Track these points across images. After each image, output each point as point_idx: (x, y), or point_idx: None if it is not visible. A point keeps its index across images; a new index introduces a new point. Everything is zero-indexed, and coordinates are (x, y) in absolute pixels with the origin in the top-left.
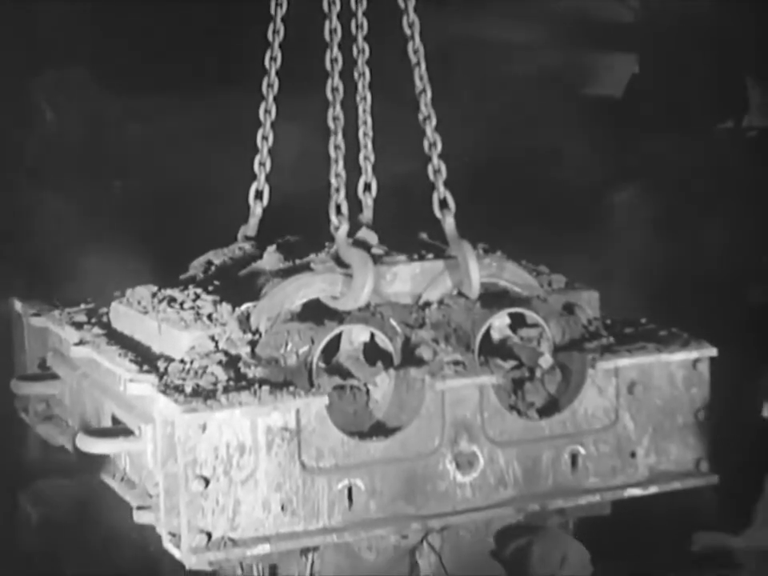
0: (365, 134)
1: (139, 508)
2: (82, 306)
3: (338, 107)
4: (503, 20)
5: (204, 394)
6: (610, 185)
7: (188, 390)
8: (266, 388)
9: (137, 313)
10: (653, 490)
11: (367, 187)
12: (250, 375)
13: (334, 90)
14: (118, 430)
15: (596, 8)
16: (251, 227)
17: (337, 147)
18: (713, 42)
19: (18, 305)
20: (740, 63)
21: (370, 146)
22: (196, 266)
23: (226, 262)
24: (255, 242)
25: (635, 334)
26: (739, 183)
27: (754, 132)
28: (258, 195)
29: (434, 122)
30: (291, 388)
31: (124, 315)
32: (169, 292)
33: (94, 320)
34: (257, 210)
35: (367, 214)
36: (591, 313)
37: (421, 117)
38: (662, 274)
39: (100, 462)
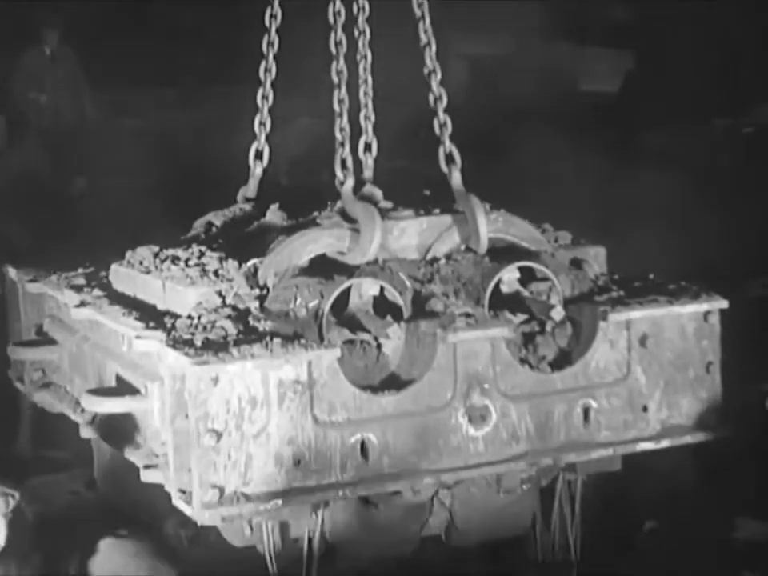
0: (365, 94)
1: (146, 467)
2: (80, 270)
3: (341, 60)
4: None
5: (215, 347)
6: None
7: (198, 343)
8: (277, 340)
9: (138, 273)
10: (665, 444)
11: (368, 147)
12: (260, 329)
13: (338, 43)
14: (124, 389)
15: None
16: (251, 188)
17: (341, 101)
18: (710, 38)
19: (12, 272)
20: (737, 59)
21: (370, 105)
22: (197, 227)
23: (227, 222)
24: (255, 203)
25: (644, 288)
26: (735, 178)
27: (751, 128)
28: (258, 155)
29: (439, 75)
30: (303, 340)
31: (125, 276)
32: (171, 251)
33: (93, 283)
34: (257, 170)
35: (368, 174)
36: (598, 268)
37: (426, 71)
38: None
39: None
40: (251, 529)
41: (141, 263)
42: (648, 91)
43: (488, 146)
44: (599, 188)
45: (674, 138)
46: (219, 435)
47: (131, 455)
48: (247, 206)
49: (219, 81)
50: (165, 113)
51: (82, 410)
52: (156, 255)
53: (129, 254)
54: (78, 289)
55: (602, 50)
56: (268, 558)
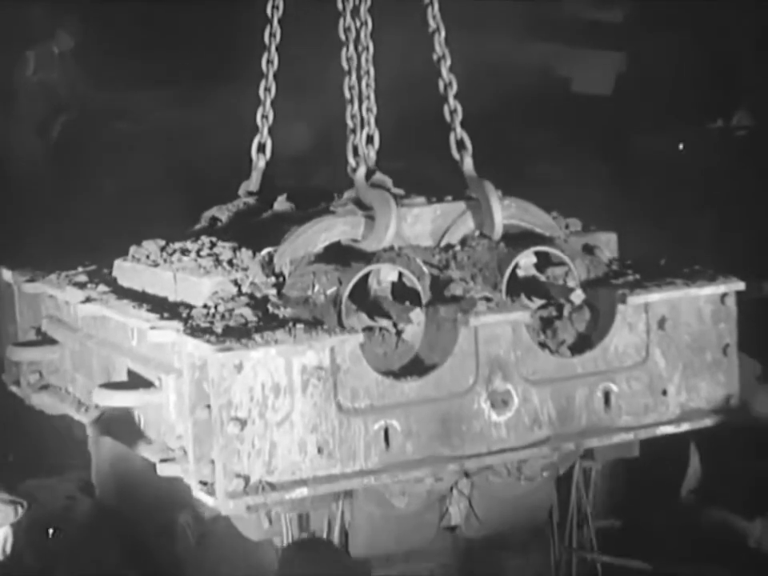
0: (367, 85)
1: (162, 461)
2: (80, 269)
3: (352, 47)
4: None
5: (237, 334)
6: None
7: (218, 330)
8: (300, 326)
9: (146, 267)
10: (685, 427)
11: (370, 139)
12: (281, 316)
13: (347, 29)
14: (136, 382)
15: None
16: (254, 181)
17: (351, 88)
18: (703, 41)
19: (6, 274)
20: (730, 63)
21: (372, 97)
22: (202, 222)
23: (234, 215)
24: (258, 197)
25: (659, 272)
26: (729, 181)
27: (744, 131)
28: (261, 148)
29: (448, 62)
30: (325, 326)
31: (130, 271)
32: (179, 244)
33: (96, 280)
34: (260, 163)
35: (370, 166)
36: (609, 254)
37: (435, 57)
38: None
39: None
40: (270, 521)
41: (147, 257)
42: (640, 93)
43: (481, 147)
44: (591, 190)
45: (666, 141)
46: (243, 423)
47: (144, 451)
48: (251, 200)
49: (218, 79)
50: (163, 112)
51: (86, 410)
52: (163, 249)
53: (133, 249)
54: (80, 286)
55: (593, 51)
56: None
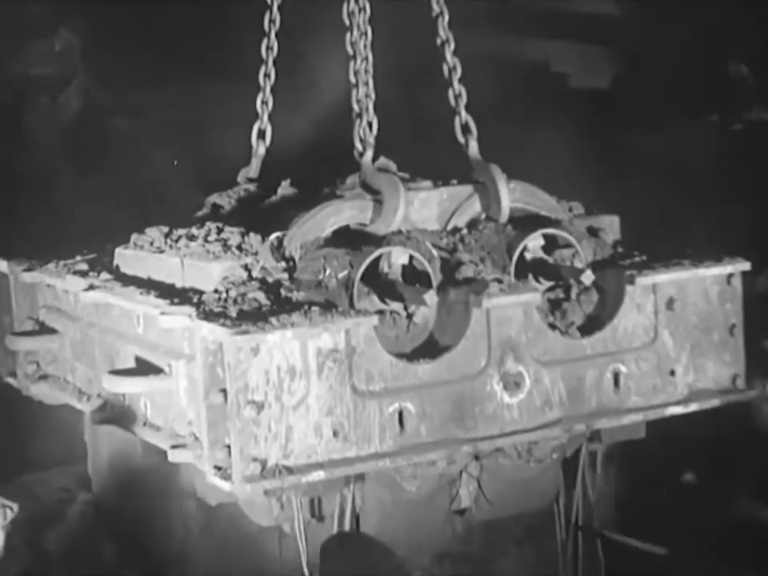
0: (365, 71)
1: (173, 447)
2: (78, 257)
3: (356, 32)
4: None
5: (252, 317)
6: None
7: (233, 314)
8: (315, 309)
9: (150, 254)
10: (693, 407)
11: (369, 126)
12: (294, 299)
13: (350, 14)
14: (145, 369)
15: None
16: (254, 168)
17: (357, 72)
18: (699, 36)
19: (2, 263)
20: (725, 57)
21: (371, 83)
22: (203, 209)
23: (237, 201)
24: (258, 183)
25: (665, 253)
26: (725, 175)
27: (739, 125)
28: (261, 135)
29: (452, 45)
30: (340, 308)
31: (133, 258)
32: (183, 231)
33: (98, 268)
34: (260, 149)
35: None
36: (613, 236)
37: (439, 41)
38: None
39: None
40: (282, 506)
41: (151, 244)
42: (637, 88)
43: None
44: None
45: (663, 136)
46: (260, 407)
47: (152, 438)
48: (251, 186)
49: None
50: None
51: (88, 398)
52: (167, 235)
53: (134, 236)
54: (82, 274)
55: (590, 47)
56: (298, 535)
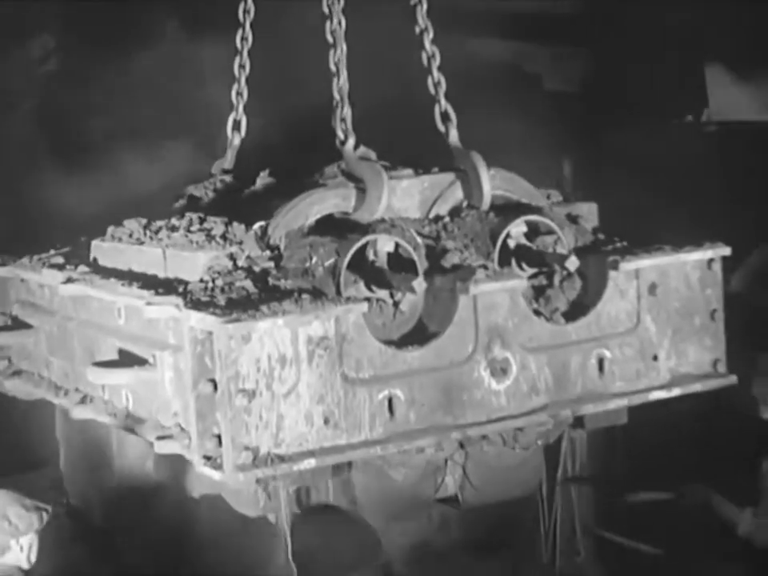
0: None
1: (159, 438)
2: (52, 251)
3: (336, 19)
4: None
5: (242, 306)
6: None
7: (222, 303)
8: (306, 296)
9: (129, 245)
10: (676, 392)
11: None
12: (282, 287)
13: (330, 4)
14: (129, 360)
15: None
16: (229, 159)
17: (337, 61)
18: (672, 36)
19: None
20: (699, 58)
21: (344, 74)
22: (180, 201)
23: (215, 192)
24: (233, 175)
25: (645, 239)
26: (698, 176)
27: (713, 126)
28: (236, 126)
29: (431, 34)
30: (330, 296)
31: (112, 251)
32: (163, 222)
33: (75, 261)
34: (235, 141)
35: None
36: (591, 224)
37: (417, 30)
38: None
39: None
40: (268, 497)
41: (130, 235)
42: (609, 90)
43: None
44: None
45: (636, 137)
46: (251, 395)
47: (135, 430)
48: (227, 177)
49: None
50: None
51: (65, 393)
52: (146, 227)
53: (111, 229)
54: (59, 268)
55: (562, 48)
56: (285, 525)
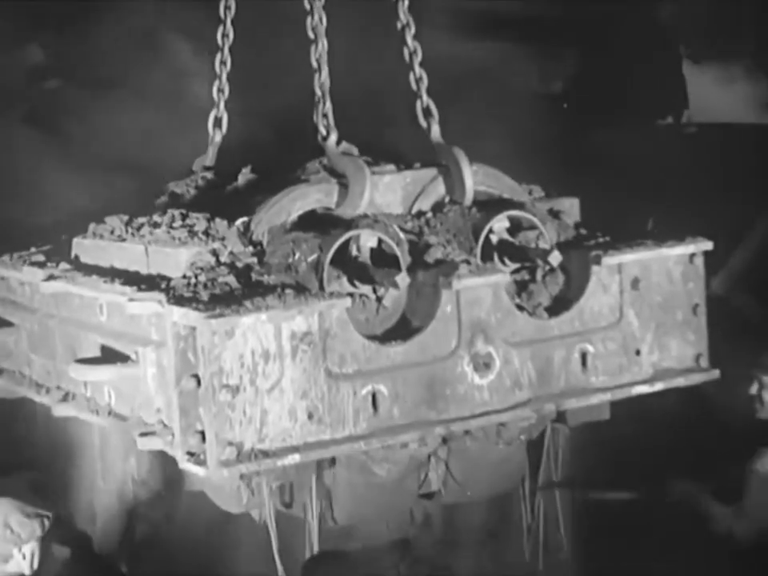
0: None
1: (142, 435)
2: (33, 249)
3: (317, 15)
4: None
5: (225, 301)
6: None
7: (205, 298)
8: (289, 292)
9: (111, 242)
10: (659, 386)
11: (324, 115)
12: (265, 283)
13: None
14: (113, 356)
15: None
16: (210, 156)
17: (319, 56)
18: (653, 37)
19: None
20: (680, 59)
21: (325, 70)
22: (161, 198)
23: (197, 188)
24: (214, 172)
25: (627, 234)
26: (680, 178)
27: (694, 128)
28: (217, 123)
29: (413, 29)
30: (313, 291)
31: (93, 248)
32: (145, 218)
33: (56, 258)
34: (216, 137)
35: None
36: (573, 219)
37: (399, 25)
38: None
39: None
40: (252, 493)
41: (111, 232)
42: (591, 91)
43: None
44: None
45: (617, 139)
46: (235, 391)
47: (117, 428)
48: (208, 174)
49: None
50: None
51: (47, 391)
52: (128, 223)
53: (92, 226)
54: (40, 265)
55: (545, 48)
56: (269, 521)
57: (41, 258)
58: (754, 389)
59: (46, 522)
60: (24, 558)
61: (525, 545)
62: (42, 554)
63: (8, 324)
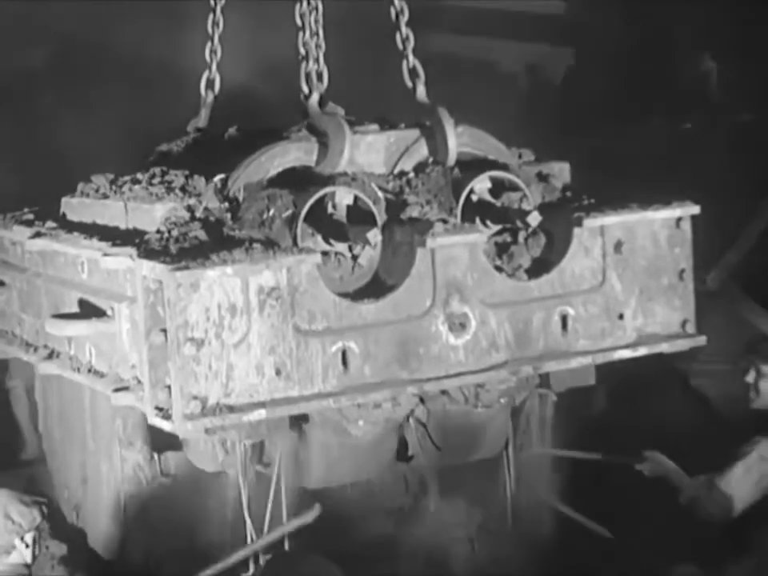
0: (315, 21)
1: (116, 390)
2: (26, 209)
3: None
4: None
5: (192, 254)
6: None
7: (174, 251)
8: (257, 246)
9: (95, 200)
10: (642, 351)
11: (319, 76)
12: (236, 237)
13: None
14: (89, 311)
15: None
16: (202, 118)
17: (303, 14)
18: (651, 35)
19: None
20: (677, 56)
21: (321, 33)
22: (152, 157)
23: (184, 147)
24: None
25: (614, 197)
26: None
27: (689, 124)
28: (210, 84)
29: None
30: (283, 245)
31: (79, 206)
32: (129, 176)
33: (44, 217)
34: (208, 98)
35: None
36: (562, 182)
37: (393, 12)
38: None
39: None
40: (227, 452)
41: (96, 191)
42: (584, 90)
43: None
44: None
45: (611, 137)
46: (200, 344)
47: (96, 384)
48: (199, 135)
49: None
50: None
51: (35, 350)
52: (113, 182)
53: (81, 185)
54: (28, 224)
55: (540, 46)
56: (241, 480)
57: (31, 217)
58: (750, 377)
59: (44, 509)
60: (27, 546)
61: (508, 511)
62: (39, 549)
63: (1, 284)
